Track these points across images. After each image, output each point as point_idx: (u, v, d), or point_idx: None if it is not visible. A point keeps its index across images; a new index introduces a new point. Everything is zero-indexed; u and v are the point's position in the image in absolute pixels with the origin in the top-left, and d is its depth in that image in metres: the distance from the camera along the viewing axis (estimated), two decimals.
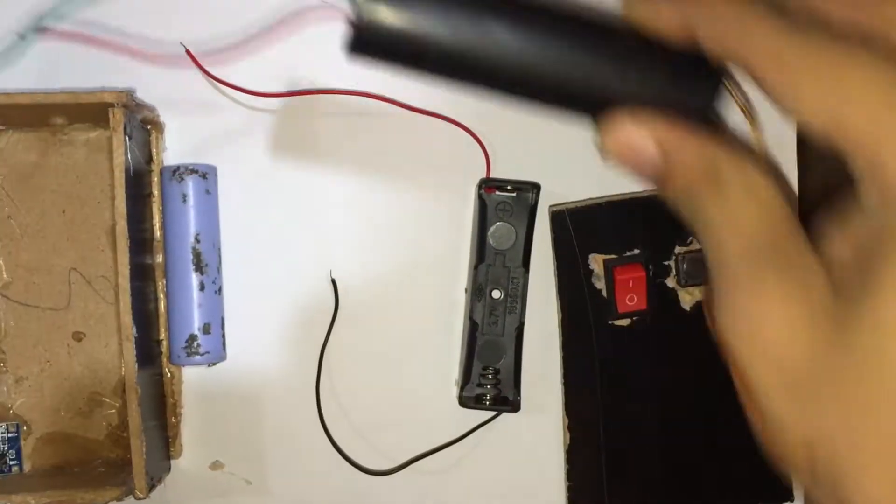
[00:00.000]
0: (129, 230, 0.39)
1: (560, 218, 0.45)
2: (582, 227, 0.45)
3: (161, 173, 0.44)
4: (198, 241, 0.43)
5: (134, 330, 0.39)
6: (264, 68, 0.44)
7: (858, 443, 0.22)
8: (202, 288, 0.44)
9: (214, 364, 0.45)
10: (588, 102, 0.27)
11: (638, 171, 0.26)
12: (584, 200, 0.46)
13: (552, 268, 0.46)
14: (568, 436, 0.46)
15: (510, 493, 0.46)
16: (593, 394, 0.46)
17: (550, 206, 0.45)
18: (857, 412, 0.22)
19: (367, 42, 0.28)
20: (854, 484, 0.22)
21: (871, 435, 0.22)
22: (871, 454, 0.22)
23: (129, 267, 0.39)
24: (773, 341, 0.23)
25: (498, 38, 0.27)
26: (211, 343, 0.44)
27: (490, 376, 0.44)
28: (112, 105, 0.38)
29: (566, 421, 0.46)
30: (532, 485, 0.47)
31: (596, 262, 0.45)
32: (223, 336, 0.45)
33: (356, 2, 0.27)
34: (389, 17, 0.27)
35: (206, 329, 0.44)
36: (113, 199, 0.39)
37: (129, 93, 0.39)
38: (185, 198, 0.43)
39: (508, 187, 0.44)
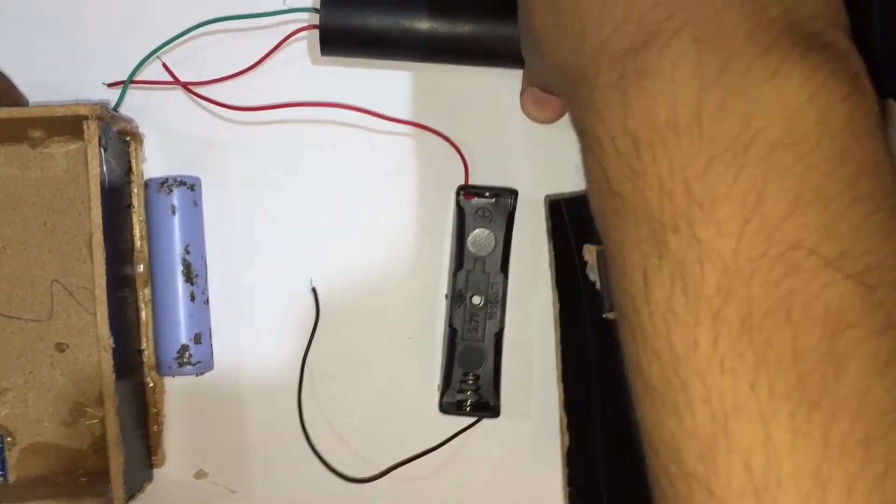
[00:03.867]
0: (108, 241, 0.40)
1: (556, 207, 0.45)
2: (577, 217, 0.44)
3: (147, 185, 0.44)
4: (187, 252, 0.44)
5: (111, 340, 0.39)
6: (242, 82, 0.44)
7: None
8: (192, 298, 0.44)
9: (203, 374, 0.45)
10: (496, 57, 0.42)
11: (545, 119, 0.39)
12: (581, 190, 0.45)
13: (532, 271, 0.46)
14: (567, 436, 0.44)
15: (492, 498, 0.46)
16: (589, 391, 0.44)
17: (546, 196, 0.45)
18: None
19: (332, 38, 0.41)
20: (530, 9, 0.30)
21: None
22: None
23: (105, 278, 0.39)
24: None
25: (414, 22, 0.41)
26: (202, 353, 0.44)
27: (470, 382, 0.44)
28: (87, 117, 0.39)
29: (565, 420, 0.44)
30: (514, 490, 0.46)
31: (590, 253, 0.44)
32: (211, 346, 0.45)
33: (320, 12, 0.41)
34: (341, 18, 0.41)
35: (197, 339, 0.44)
36: (90, 210, 0.39)
37: (104, 105, 0.39)
38: (173, 209, 0.43)
39: (487, 194, 0.44)
